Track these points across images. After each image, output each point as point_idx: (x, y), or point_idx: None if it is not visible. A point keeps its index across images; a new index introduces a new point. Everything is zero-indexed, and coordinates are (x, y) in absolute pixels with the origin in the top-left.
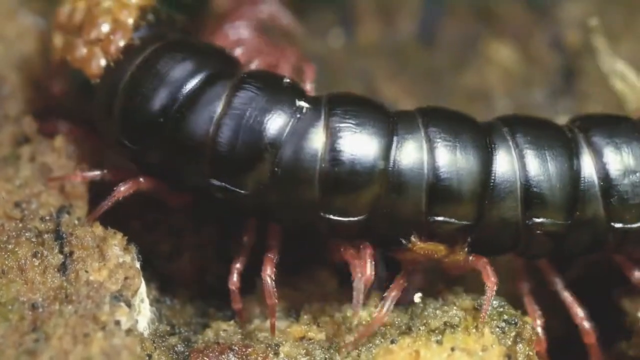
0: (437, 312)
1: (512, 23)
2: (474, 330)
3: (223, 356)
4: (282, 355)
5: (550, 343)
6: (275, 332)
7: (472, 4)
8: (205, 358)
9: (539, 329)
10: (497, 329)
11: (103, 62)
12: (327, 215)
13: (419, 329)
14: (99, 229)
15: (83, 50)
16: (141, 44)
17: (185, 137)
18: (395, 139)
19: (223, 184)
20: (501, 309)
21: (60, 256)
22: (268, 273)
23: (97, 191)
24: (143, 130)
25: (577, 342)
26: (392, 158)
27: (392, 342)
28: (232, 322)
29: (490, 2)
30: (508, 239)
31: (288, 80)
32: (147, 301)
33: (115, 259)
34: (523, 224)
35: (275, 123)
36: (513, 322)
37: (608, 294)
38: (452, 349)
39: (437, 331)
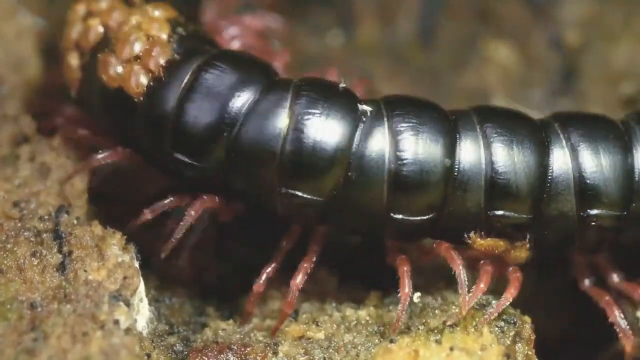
0: (436, 311)
1: (511, 23)
2: (472, 330)
3: (222, 355)
4: (281, 354)
5: (550, 342)
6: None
7: (471, 4)
8: (204, 357)
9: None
10: (496, 329)
11: (144, 79)
12: (396, 216)
13: (418, 329)
14: (97, 229)
15: (119, 69)
16: (183, 58)
17: (253, 149)
18: (457, 136)
19: (295, 191)
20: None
21: (59, 255)
22: (298, 282)
23: (96, 190)
24: (205, 144)
25: (577, 341)
26: (457, 155)
27: (391, 341)
28: (230, 321)
29: (489, 2)
30: (566, 234)
31: (343, 86)
32: (145, 300)
33: (114, 259)
34: (578, 217)
35: (345, 130)
36: (512, 321)
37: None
38: (451, 349)
39: (436, 331)
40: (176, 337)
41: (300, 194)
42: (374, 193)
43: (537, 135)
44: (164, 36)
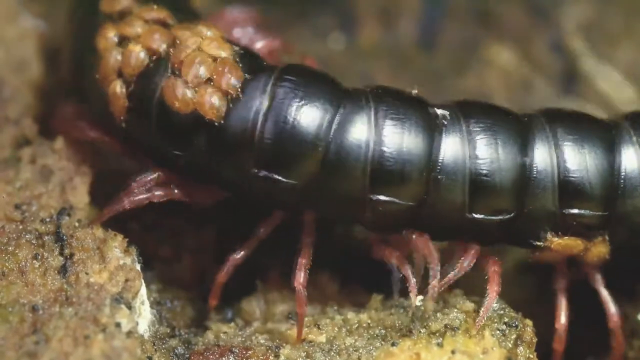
0: (438, 314)
1: (512, 26)
2: (474, 333)
3: (223, 358)
4: (282, 357)
5: (547, 343)
6: (275, 333)
7: (472, 7)
8: None
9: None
10: (498, 332)
11: (221, 101)
12: (477, 216)
13: (420, 332)
14: (99, 231)
15: (190, 93)
16: (253, 76)
17: (343, 165)
18: (529, 137)
19: (387, 197)
20: (502, 312)
21: (61, 258)
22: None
23: (97, 193)
24: (297, 161)
25: (578, 344)
26: (531, 155)
27: (393, 344)
28: (232, 324)
29: (490, 5)
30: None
31: (415, 91)
32: (147, 303)
33: (115, 261)
34: None
35: (430, 138)
36: (514, 324)
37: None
38: (453, 352)
39: (437, 334)
40: (177, 340)
41: (391, 199)
42: (455, 195)
43: (606, 134)
44: (229, 55)
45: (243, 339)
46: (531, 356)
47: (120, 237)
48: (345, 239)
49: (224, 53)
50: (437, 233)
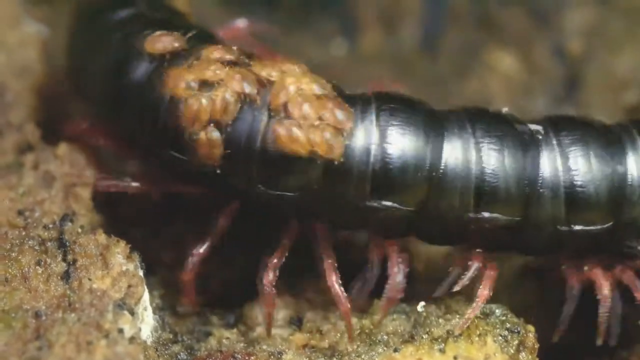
0: (440, 320)
1: (514, 31)
2: (476, 339)
3: None
4: None
5: (554, 351)
6: (278, 338)
7: (474, 13)
8: None
9: None
10: (500, 338)
11: (338, 139)
12: (573, 227)
13: (422, 337)
14: (102, 237)
15: (303, 134)
16: (355, 107)
17: (454, 184)
18: (624, 147)
19: (491, 214)
20: (504, 318)
21: (64, 264)
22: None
23: (100, 199)
24: (412, 192)
25: (581, 349)
26: (626, 165)
27: (395, 350)
28: (234, 330)
29: (492, 10)
30: None
31: (505, 109)
32: (150, 309)
33: (118, 267)
34: None
35: (532, 156)
36: (516, 330)
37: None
38: (455, 358)
39: (440, 339)
40: (180, 346)
41: (495, 215)
42: (554, 209)
43: None
44: (329, 91)
45: (245, 345)
46: None
47: (123, 243)
48: (348, 244)
49: (324, 90)
50: (535, 247)
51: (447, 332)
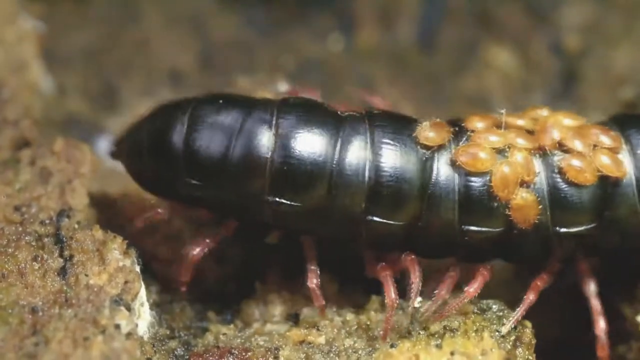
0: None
1: (511, 28)
2: (473, 335)
3: None
4: (281, 359)
5: (546, 344)
6: (275, 334)
7: (471, 9)
8: None
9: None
10: (497, 333)
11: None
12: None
13: (419, 333)
14: (98, 233)
15: (587, 165)
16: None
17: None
18: None
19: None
20: (500, 313)
21: (60, 260)
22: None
23: (96, 195)
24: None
25: (573, 344)
26: None
27: (392, 346)
28: (231, 326)
29: (489, 6)
30: None
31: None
32: (147, 305)
33: (115, 263)
34: None
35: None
36: (513, 326)
37: (607, 299)
38: (452, 353)
39: (436, 335)
40: (177, 342)
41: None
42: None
43: None
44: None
45: (242, 341)
46: (530, 358)
47: (119, 239)
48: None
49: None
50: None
51: (444, 327)
